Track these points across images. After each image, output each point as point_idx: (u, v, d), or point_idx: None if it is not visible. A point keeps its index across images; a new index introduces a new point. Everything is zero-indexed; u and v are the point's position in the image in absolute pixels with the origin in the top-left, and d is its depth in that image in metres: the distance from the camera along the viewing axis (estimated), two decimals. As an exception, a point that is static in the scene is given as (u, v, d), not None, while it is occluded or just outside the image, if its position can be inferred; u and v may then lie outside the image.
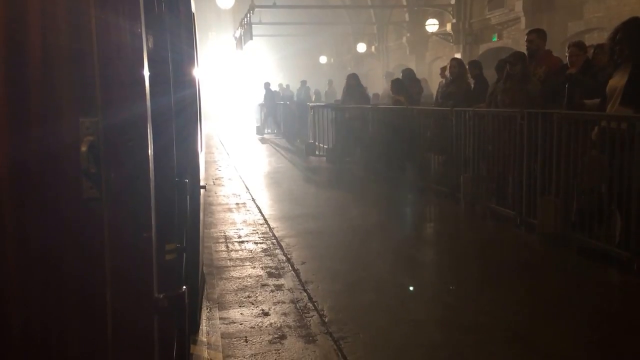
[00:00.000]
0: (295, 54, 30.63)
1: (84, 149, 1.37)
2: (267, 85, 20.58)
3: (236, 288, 4.36)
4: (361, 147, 10.69)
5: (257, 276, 4.62)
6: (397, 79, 10.31)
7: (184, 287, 1.81)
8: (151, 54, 1.66)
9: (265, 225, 6.35)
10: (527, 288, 4.38)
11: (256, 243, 5.65)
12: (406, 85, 9.99)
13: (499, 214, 6.28)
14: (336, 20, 26.17)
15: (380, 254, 5.32)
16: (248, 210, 7.23)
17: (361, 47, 24.84)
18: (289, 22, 23.27)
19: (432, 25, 18.41)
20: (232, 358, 3.24)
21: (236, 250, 5.41)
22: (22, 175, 1.38)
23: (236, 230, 6.19)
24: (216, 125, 23.77)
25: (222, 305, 4.00)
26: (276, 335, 3.50)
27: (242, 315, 3.83)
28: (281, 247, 5.43)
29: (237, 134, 21.11)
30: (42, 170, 1.39)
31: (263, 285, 4.39)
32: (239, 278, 4.59)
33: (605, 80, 4.90)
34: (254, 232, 6.11)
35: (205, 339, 3.43)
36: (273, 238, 5.80)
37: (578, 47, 6.03)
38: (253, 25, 17.50)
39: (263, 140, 17.93)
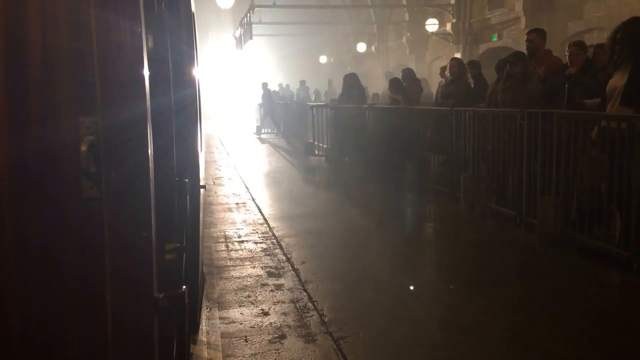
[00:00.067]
0: (295, 54, 30.61)
1: (83, 148, 1.37)
2: (264, 85, 20.65)
3: (236, 288, 4.36)
4: (360, 146, 10.69)
5: (257, 276, 4.62)
6: (395, 78, 10.29)
7: (184, 286, 1.80)
8: (151, 54, 1.66)
9: (265, 225, 6.35)
10: (527, 288, 4.38)
11: (256, 243, 5.65)
12: (404, 84, 9.98)
13: (498, 213, 6.28)
14: (336, 20, 26.19)
15: (380, 253, 5.33)
16: (248, 210, 7.23)
17: (361, 47, 24.84)
18: (288, 21, 23.29)
19: (432, 25, 18.42)
20: (232, 358, 3.24)
21: (236, 250, 5.41)
22: (22, 175, 1.37)
23: (236, 230, 6.19)
24: (216, 125, 23.77)
25: (222, 305, 4.00)
26: (276, 335, 3.50)
27: (242, 314, 3.83)
28: (281, 247, 5.44)
29: (237, 133, 21.12)
30: (42, 170, 1.38)
31: (263, 285, 4.40)
32: (238, 278, 4.59)
33: (605, 80, 4.90)
34: (253, 231, 6.11)
35: (205, 339, 3.43)
36: (273, 238, 5.80)
37: (578, 46, 6.04)
38: (253, 25, 17.50)
39: (262, 140, 17.94)
